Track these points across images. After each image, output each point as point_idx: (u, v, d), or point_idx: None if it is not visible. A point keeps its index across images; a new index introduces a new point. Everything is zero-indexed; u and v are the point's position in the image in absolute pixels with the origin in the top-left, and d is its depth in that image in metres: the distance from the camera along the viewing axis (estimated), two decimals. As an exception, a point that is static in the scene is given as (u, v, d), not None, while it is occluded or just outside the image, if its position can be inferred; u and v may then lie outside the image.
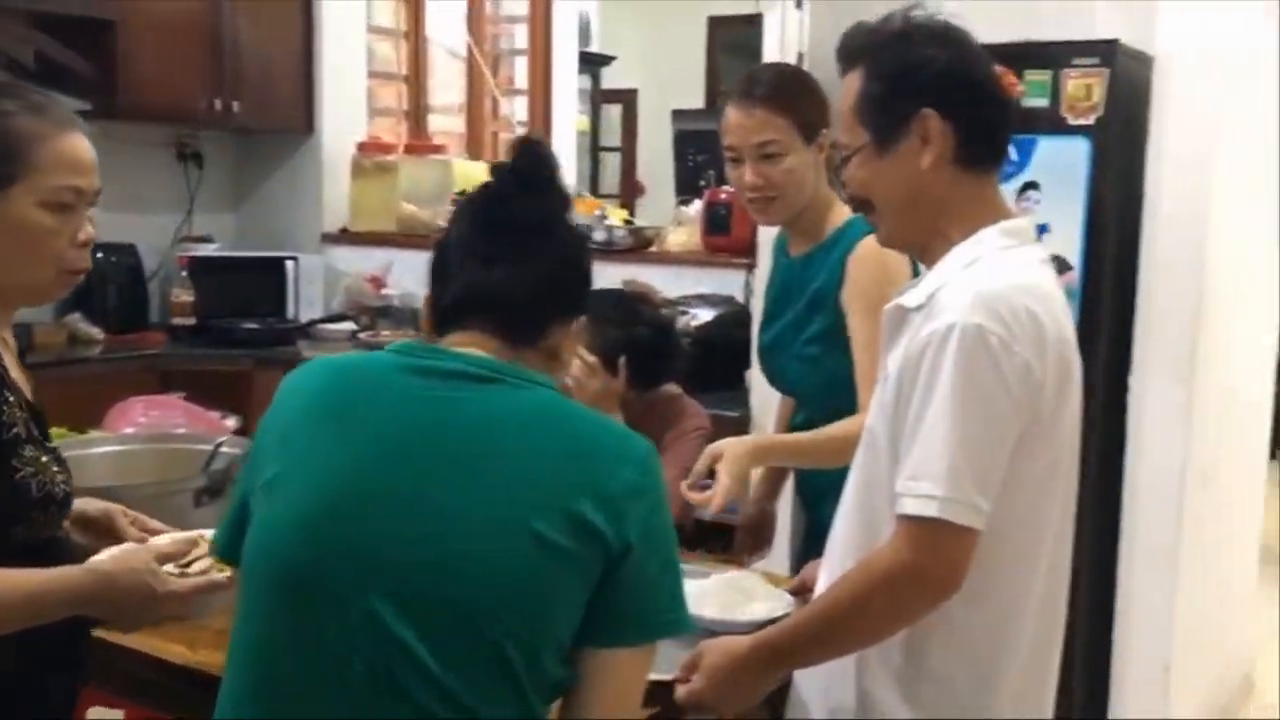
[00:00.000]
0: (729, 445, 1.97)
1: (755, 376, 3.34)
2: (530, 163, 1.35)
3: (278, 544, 1.23)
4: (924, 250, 1.54)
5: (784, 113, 2.01)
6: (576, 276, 1.38)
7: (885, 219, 1.53)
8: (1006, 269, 1.43)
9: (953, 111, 1.46)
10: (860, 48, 1.52)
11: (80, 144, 1.50)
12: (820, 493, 2.05)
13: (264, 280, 4.63)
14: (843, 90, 1.53)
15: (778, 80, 2.09)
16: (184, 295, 4.40)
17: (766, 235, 3.29)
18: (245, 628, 1.26)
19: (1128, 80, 2.95)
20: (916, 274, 1.71)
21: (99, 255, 4.13)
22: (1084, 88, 2.90)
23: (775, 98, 2.02)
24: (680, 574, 1.27)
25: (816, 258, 2.09)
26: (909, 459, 1.37)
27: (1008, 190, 2.91)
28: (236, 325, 4.43)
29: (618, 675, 1.23)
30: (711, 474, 1.95)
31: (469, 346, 1.30)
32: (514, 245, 1.32)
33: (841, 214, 2.08)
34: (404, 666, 1.16)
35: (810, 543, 2.15)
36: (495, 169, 1.38)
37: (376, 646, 1.16)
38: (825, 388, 2.07)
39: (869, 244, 1.88)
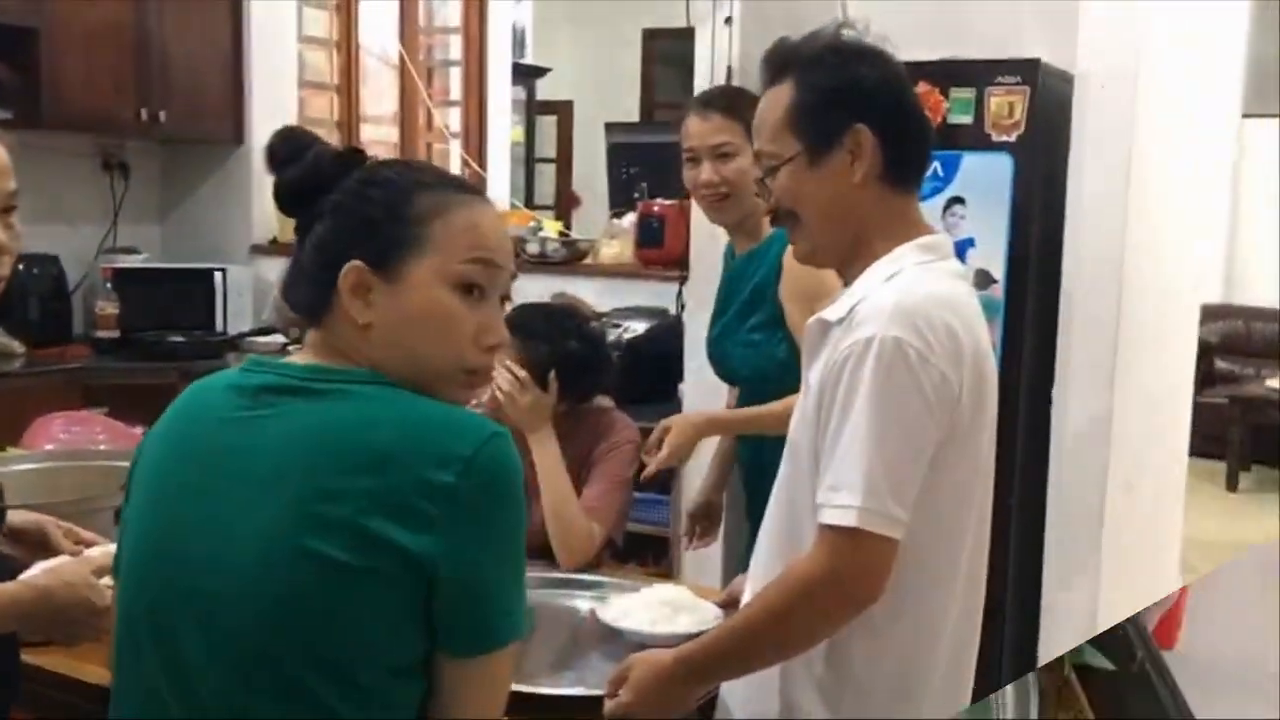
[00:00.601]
0: (678, 417, 2.30)
1: (688, 389, 3.36)
2: (279, 142, 1.28)
3: (122, 581, 1.25)
4: (846, 264, 1.55)
5: (737, 118, 2.23)
6: (343, 223, 1.21)
7: (810, 231, 1.54)
8: (924, 283, 1.46)
9: (882, 128, 1.48)
10: (789, 60, 1.54)
11: None
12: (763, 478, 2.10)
13: (191, 292, 4.55)
14: (769, 100, 1.54)
15: (730, 93, 2.47)
16: (108, 307, 4.30)
17: (699, 248, 3.32)
18: (113, 656, 1.27)
19: (1049, 98, 3.01)
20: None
21: (20, 267, 4.07)
22: (1007, 105, 2.96)
23: (729, 106, 2.28)
24: (522, 575, 1.18)
25: (757, 255, 2.32)
26: (829, 470, 1.39)
27: (934, 205, 2.96)
28: (162, 338, 4.34)
29: (468, 683, 1.15)
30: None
31: (305, 350, 1.25)
32: (298, 230, 1.26)
33: None
34: (213, 702, 1.14)
35: (750, 550, 2.20)
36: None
37: (183, 682, 1.15)
38: (766, 371, 2.28)
39: None
